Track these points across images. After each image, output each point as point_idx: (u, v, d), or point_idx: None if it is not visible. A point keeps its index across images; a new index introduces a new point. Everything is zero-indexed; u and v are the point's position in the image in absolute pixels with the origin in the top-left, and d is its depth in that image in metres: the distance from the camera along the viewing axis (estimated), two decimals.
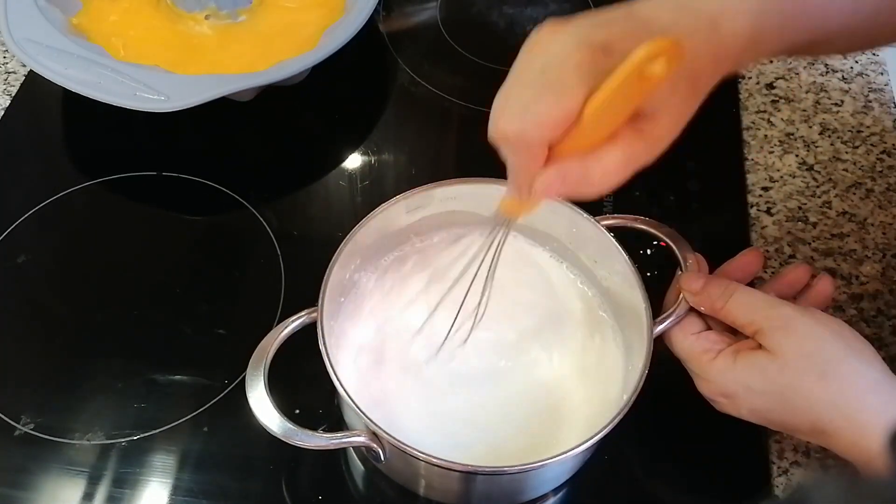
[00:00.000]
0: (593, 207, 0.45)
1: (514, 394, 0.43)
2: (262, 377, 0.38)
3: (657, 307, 0.42)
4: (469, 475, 0.39)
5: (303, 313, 0.41)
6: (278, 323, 0.41)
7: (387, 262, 0.47)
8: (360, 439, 0.38)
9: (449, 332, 0.43)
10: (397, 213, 0.45)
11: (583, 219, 0.44)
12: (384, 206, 0.44)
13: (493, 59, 0.63)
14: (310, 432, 0.37)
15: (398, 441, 0.36)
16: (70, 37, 0.55)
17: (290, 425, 0.37)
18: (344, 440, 0.38)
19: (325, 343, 0.38)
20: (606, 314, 0.46)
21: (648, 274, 0.45)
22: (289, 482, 0.44)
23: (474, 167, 0.49)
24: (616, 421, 0.37)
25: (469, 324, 0.43)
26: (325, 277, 0.41)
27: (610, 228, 0.44)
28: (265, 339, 0.40)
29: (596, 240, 0.44)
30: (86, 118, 0.60)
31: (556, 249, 0.48)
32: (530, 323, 0.45)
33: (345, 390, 0.37)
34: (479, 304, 0.42)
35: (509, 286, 0.45)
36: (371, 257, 0.46)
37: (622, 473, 0.45)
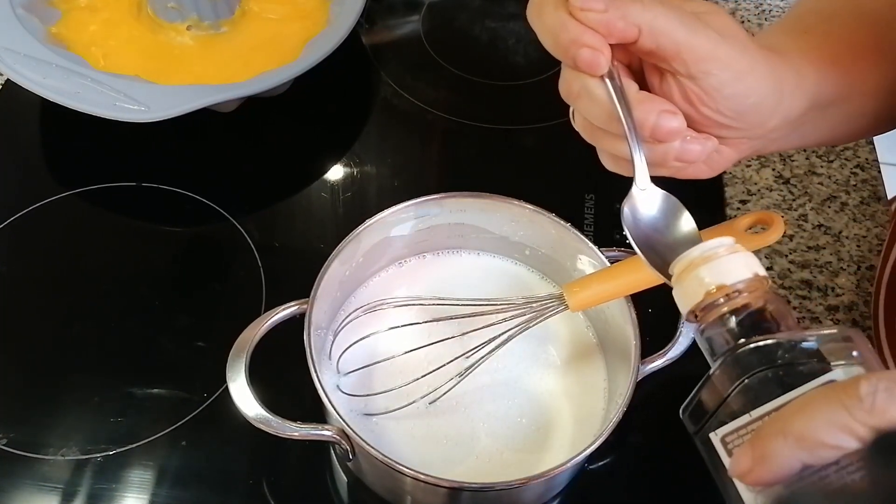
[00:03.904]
0: (578, 221, 0.46)
1: (504, 409, 0.43)
2: (245, 357, 0.38)
3: (648, 345, 0.40)
4: (454, 491, 0.38)
5: (293, 304, 0.40)
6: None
7: (391, 269, 0.47)
8: (329, 433, 0.38)
9: (446, 364, 0.42)
10: (406, 216, 0.44)
11: (588, 247, 0.43)
12: (393, 207, 0.44)
13: (475, 72, 0.63)
14: (283, 421, 0.38)
15: (361, 439, 0.36)
16: (49, 46, 0.55)
17: (265, 412, 0.37)
18: (313, 432, 0.38)
19: (309, 335, 0.39)
20: (596, 338, 0.46)
21: (650, 310, 0.43)
22: (270, 498, 0.43)
23: (457, 180, 0.49)
24: (597, 444, 0.37)
25: (463, 362, 0.42)
26: (322, 270, 0.41)
27: (613, 261, 0.42)
28: (254, 322, 0.40)
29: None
30: (64, 128, 0.59)
31: (549, 273, 0.48)
32: (519, 341, 0.45)
33: (318, 378, 0.37)
34: (476, 355, 0.41)
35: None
36: (373, 260, 0.46)
37: (609, 487, 0.45)
